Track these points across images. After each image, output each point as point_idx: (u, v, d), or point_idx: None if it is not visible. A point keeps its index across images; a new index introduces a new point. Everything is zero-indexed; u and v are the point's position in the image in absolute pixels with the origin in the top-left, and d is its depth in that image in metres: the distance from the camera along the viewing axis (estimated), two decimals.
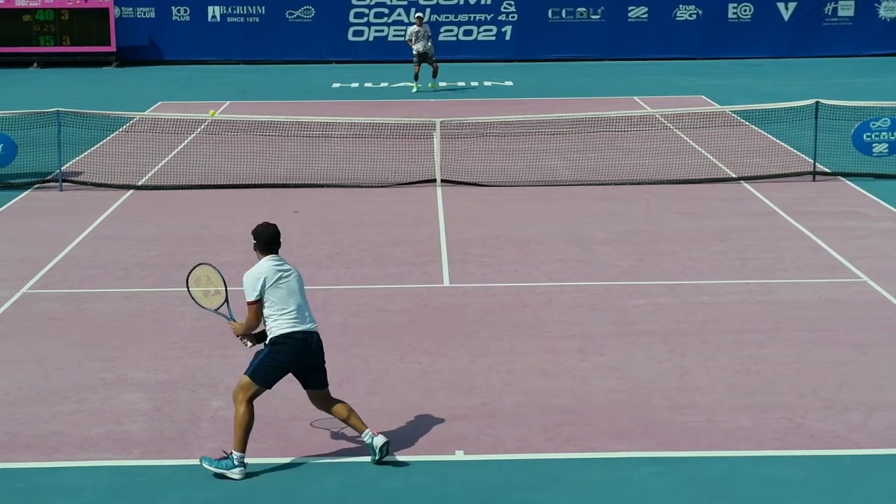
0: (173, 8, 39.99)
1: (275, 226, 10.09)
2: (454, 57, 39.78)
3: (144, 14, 39.95)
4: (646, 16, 40.25)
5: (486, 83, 35.10)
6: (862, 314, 13.69)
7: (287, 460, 10.00)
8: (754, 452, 10.11)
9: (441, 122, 21.57)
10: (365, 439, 9.85)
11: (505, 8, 40.18)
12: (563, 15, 40.27)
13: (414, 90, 33.06)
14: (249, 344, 9.93)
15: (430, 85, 33.30)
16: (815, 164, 21.18)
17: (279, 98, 32.00)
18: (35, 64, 39.07)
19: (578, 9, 40.18)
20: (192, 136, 24.96)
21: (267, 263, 9.88)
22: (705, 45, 40.05)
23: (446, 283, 15.18)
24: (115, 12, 39.00)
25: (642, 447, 10.21)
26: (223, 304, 10.08)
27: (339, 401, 10.03)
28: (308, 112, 27.55)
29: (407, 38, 33.69)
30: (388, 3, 40.19)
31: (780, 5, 40.24)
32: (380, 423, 10.67)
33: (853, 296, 14.41)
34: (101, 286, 15.06)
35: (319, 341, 9.89)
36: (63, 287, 15.06)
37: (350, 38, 40.10)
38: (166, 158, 23.01)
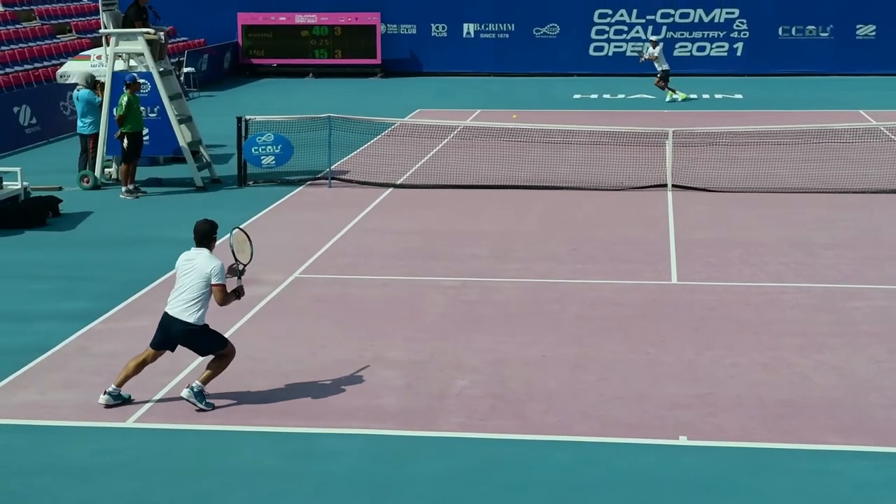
0: (432, 25, 40.65)
1: (205, 223, 10.71)
2: (688, 71, 39.13)
3: (407, 30, 40.74)
4: (874, 33, 38.77)
5: (717, 96, 34.44)
6: None
7: (523, 437, 10.03)
8: None
9: (673, 132, 21.28)
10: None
11: (737, 26, 39.33)
12: (793, 32, 39.17)
13: (668, 99, 32.75)
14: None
15: (678, 98, 32.97)
16: None
17: (525, 107, 32.09)
18: (310, 74, 40.35)
19: (808, 27, 39.01)
20: (447, 140, 25.32)
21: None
22: None
23: (674, 280, 14.96)
24: (381, 29, 39.92)
25: (859, 441, 9.85)
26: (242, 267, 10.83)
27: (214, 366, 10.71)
28: (551, 120, 27.55)
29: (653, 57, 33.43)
30: (628, 21, 39.87)
31: None
32: (608, 407, 10.62)
33: None
34: (363, 273, 15.43)
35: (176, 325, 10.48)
36: (329, 273, 15.49)
37: (591, 52, 39.97)
38: (423, 160, 23.39)
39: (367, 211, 19.17)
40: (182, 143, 21.23)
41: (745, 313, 13.45)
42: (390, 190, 20.76)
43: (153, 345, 10.68)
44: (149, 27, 21.32)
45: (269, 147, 21.31)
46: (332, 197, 20.35)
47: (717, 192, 20.25)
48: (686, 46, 39.65)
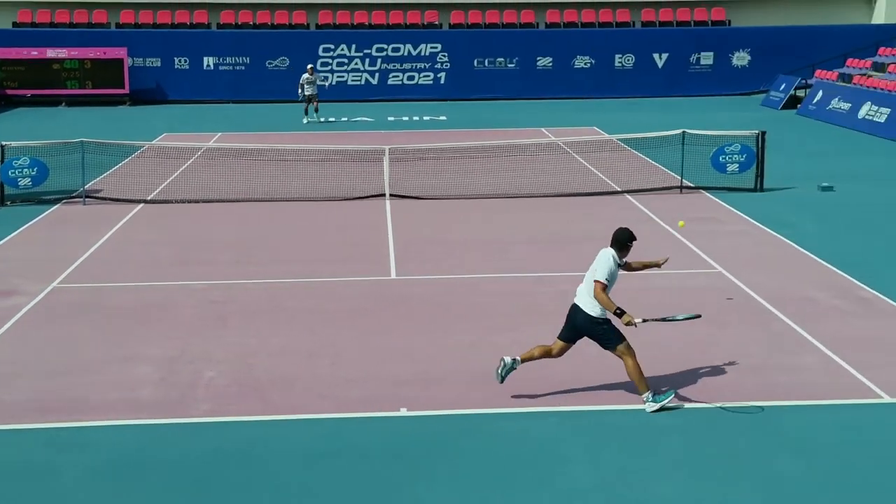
0: (175, 58, 39.65)
1: (622, 229, 10.25)
2: (400, 97, 39.83)
3: (152, 63, 39.57)
4: (551, 64, 40.47)
5: (426, 118, 35.11)
6: (718, 298, 13.81)
7: (267, 418, 9.93)
8: (635, 406, 10.13)
9: (389, 149, 21.55)
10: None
11: (440, 58, 40.24)
12: (486, 64, 40.42)
13: (305, 122, 33.24)
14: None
15: (318, 119, 33.42)
16: (682, 181, 21.36)
17: (261, 130, 31.78)
18: (63, 103, 38.56)
19: (498, 59, 40.37)
20: (191, 160, 24.76)
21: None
22: (597, 87, 40.33)
23: (394, 276, 15.15)
24: (128, 62, 38.60)
25: (549, 403, 10.24)
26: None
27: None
28: (284, 141, 27.41)
29: (300, 82, 33.78)
30: (348, 54, 40.07)
31: (656, 56, 40.58)
32: (340, 387, 10.65)
33: (712, 283, 14.55)
34: (119, 281, 14.89)
35: (580, 315, 10.02)
36: (87, 282, 14.86)
37: (318, 82, 39.79)
38: (170, 178, 22.78)
39: (121, 225, 18.50)
40: None
41: (453, 301, 13.76)
42: (141, 205, 20.11)
43: (561, 337, 10.15)
44: None
45: (26, 170, 20.28)
46: (88, 213, 19.52)
47: (428, 199, 20.64)
48: (398, 76, 40.24)
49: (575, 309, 10.10)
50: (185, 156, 24.91)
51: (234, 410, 10.08)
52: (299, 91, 33.81)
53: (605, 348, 10.08)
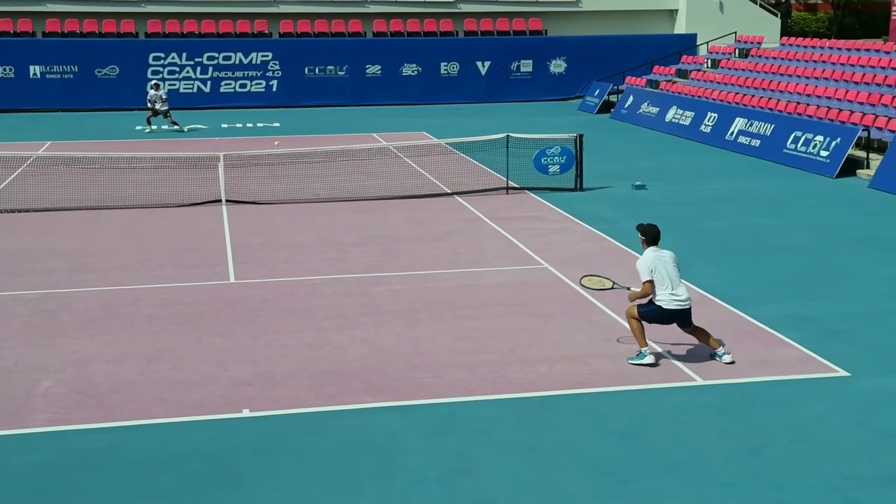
0: (0, 67, 37.84)
1: (656, 226, 11.11)
2: (233, 104, 39.16)
3: None
4: (380, 72, 40.53)
5: (259, 124, 34.62)
6: (544, 291, 14.11)
7: (107, 425, 9.58)
8: (469, 398, 10.28)
9: (224, 155, 21.15)
10: (718, 352, 11.14)
11: (272, 66, 39.74)
12: (317, 71, 40.14)
13: (147, 131, 32.05)
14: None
15: (183, 129, 32.36)
16: (507, 182, 21.73)
17: (92, 138, 30.65)
18: None
19: (328, 67, 40.14)
20: (20, 169, 23.67)
21: (651, 254, 10.89)
22: (424, 93, 40.63)
23: (232, 279, 14.87)
24: None
25: (387, 399, 10.26)
26: (613, 285, 11.50)
27: (700, 329, 11.16)
28: (115, 149, 26.53)
29: (148, 99, 32.63)
30: (179, 62, 39.11)
31: (479, 63, 41.18)
32: (181, 391, 10.39)
33: (538, 278, 14.84)
34: None
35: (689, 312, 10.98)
36: None
37: (147, 90, 38.73)
38: None
39: None
40: None
41: (292, 303, 13.61)
42: None
43: (684, 329, 11.10)
44: None
45: None
46: None
47: (265, 204, 20.35)
48: (230, 84, 39.53)
49: (684, 311, 10.98)
50: (14, 165, 23.79)
51: (74, 419, 9.69)
52: (150, 106, 32.45)
53: (690, 324, 11.12)
